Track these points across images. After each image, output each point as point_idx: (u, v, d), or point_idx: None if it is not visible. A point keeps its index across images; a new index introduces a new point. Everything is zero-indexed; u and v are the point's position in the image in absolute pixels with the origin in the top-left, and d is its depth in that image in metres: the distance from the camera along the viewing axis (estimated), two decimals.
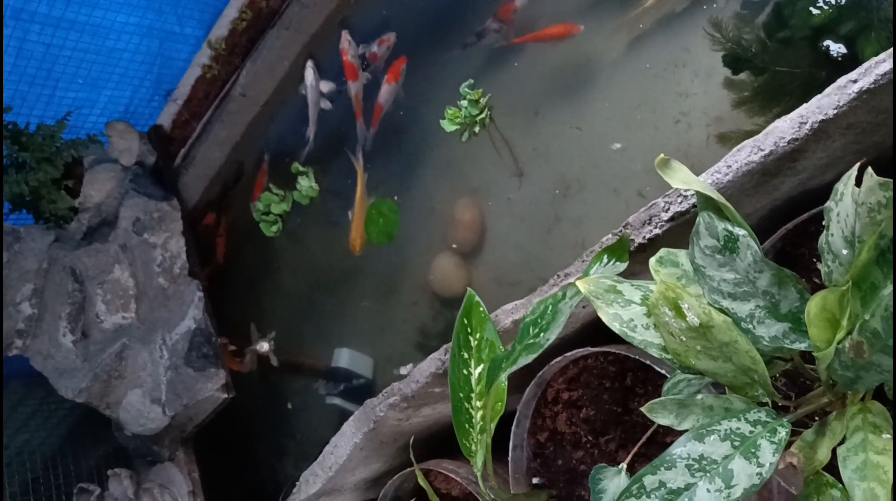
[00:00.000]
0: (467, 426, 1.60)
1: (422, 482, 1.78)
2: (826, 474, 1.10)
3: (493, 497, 1.63)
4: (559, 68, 2.33)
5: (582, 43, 2.26)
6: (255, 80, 3.15)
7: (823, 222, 1.10)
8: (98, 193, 3.10)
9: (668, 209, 1.39)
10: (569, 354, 1.70)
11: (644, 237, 1.43)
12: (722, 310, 1.10)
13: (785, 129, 1.24)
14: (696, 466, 1.02)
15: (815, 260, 1.42)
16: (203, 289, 2.97)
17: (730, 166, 1.31)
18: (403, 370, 2.58)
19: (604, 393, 1.73)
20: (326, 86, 2.97)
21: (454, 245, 2.53)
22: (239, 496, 3.14)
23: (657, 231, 1.41)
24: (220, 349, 2.93)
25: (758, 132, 1.31)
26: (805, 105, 1.22)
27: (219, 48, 3.13)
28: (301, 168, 3.03)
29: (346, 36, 2.84)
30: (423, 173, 2.66)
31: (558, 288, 1.54)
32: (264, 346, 3.07)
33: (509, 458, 1.80)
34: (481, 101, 2.41)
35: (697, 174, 1.22)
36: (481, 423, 1.58)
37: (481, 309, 1.64)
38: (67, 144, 3.08)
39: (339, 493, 2.32)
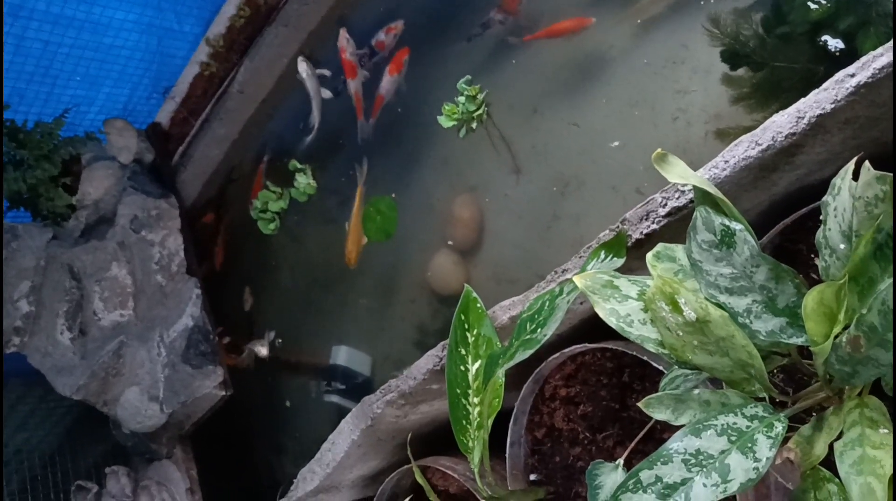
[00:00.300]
0: (464, 422, 1.60)
1: (419, 479, 1.78)
2: (823, 469, 1.10)
3: (490, 493, 1.63)
4: (558, 66, 2.33)
5: (581, 40, 2.26)
6: (254, 77, 3.15)
7: (821, 217, 1.10)
8: (96, 190, 3.10)
9: (666, 205, 1.39)
10: (566, 350, 1.69)
11: (641, 233, 1.43)
12: (719, 305, 1.10)
13: (782, 123, 1.24)
14: (693, 461, 1.01)
15: (812, 256, 1.41)
16: (201, 286, 2.97)
17: (727, 161, 1.30)
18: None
19: (601, 390, 1.72)
20: (321, 73, 2.97)
21: (450, 242, 2.53)
22: (237, 493, 3.14)
23: (654, 227, 1.41)
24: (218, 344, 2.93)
25: (756, 128, 1.31)
26: (803, 100, 1.22)
27: (217, 45, 3.13)
28: (299, 165, 3.03)
29: (343, 34, 2.84)
30: (420, 171, 2.66)
31: (555, 284, 1.53)
32: (262, 350, 3.07)
33: (507, 455, 1.80)
34: (478, 97, 2.41)
35: (695, 171, 1.22)
36: (478, 419, 1.58)
37: (478, 305, 1.64)
38: (65, 141, 3.08)
39: (336, 490, 2.31)
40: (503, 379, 1.55)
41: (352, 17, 2.96)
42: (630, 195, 2.09)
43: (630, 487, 1.02)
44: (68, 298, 2.85)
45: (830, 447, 1.07)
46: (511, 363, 1.39)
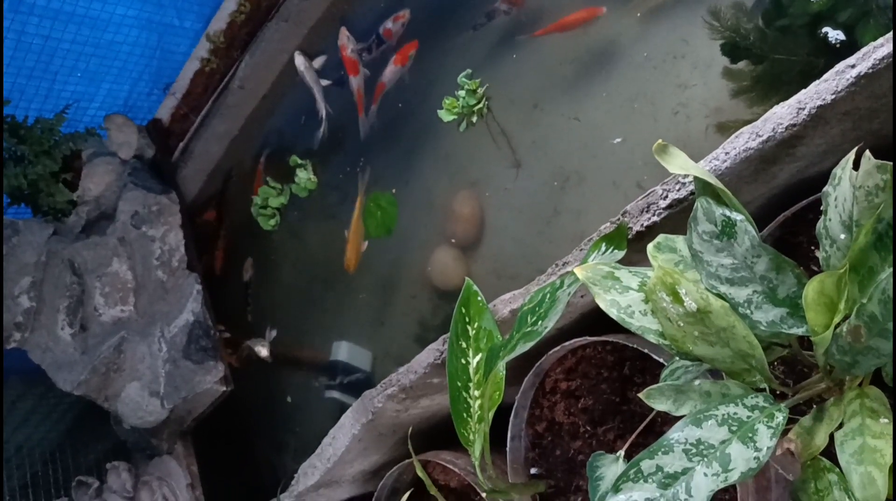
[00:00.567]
0: (465, 415, 1.60)
1: (420, 473, 1.78)
2: (823, 459, 1.10)
3: (491, 487, 1.63)
4: (558, 60, 2.33)
5: (581, 34, 2.25)
6: (254, 73, 3.15)
7: (821, 208, 1.10)
8: (96, 186, 3.10)
9: (667, 197, 1.39)
10: (567, 343, 1.69)
11: (642, 225, 1.43)
12: (719, 295, 1.10)
13: (783, 115, 1.24)
14: (694, 450, 1.01)
15: (813, 248, 1.42)
16: (201, 282, 2.97)
17: (728, 153, 1.31)
18: None
19: (602, 383, 1.73)
20: (319, 62, 2.96)
21: (451, 238, 2.53)
22: (237, 488, 3.14)
23: (655, 219, 1.41)
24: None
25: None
26: (803, 91, 1.22)
27: (217, 41, 3.13)
28: (299, 161, 3.03)
29: (344, 32, 2.83)
30: (421, 166, 2.66)
31: (556, 277, 1.54)
32: (262, 351, 3.07)
33: (507, 448, 1.80)
34: (479, 91, 2.41)
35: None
36: (479, 412, 1.58)
37: (479, 299, 1.64)
38: (66, 137, 3.08)
39: (337, 485, 2.32)
40: (504, 372, 1.55)
41: (352, 13, 2.96)
42: (631, 190, 2.10)
43: (631, 477, 1.02)
44: (69, 293, 2.86)
45: (831, 437, 1.07)
46: (512, 356, 1.39)
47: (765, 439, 1.01)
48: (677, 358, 1.29)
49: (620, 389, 1.70)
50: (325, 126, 2.94)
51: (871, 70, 1.13)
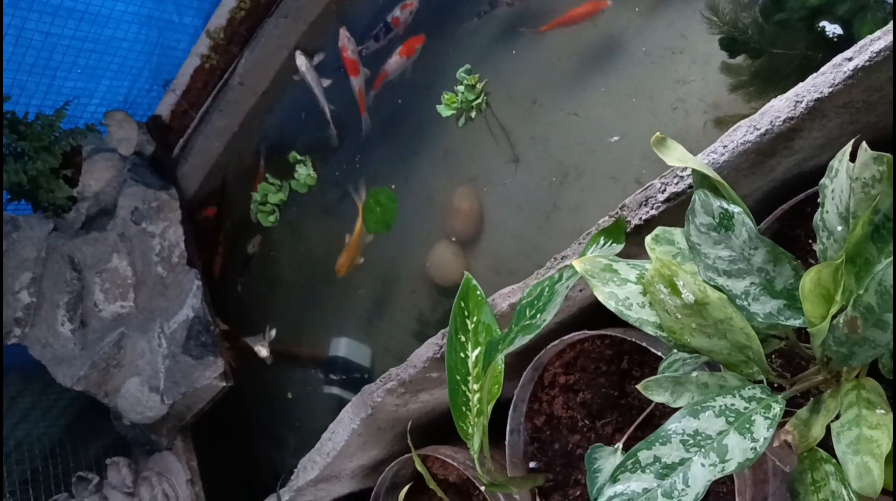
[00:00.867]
0: (464, 409, 1.61)
1: (419, 467, 1.79)
2: (820, 450, 1.10)
3: (489, 480, 1.64)
4: (557, 56, 2.33)
5: (580, 30, 2.26)
6: (254, 69, 3.15)
7: (818, 200, 1.11)
8: (96, 182, 3.11)
9: (665, 190, 1.40)
10: (565, 338, 1.70)
11: (640, 219, 1.43)
12: (717, 287, 1.11)
13: (781, 108, 1.24)
14: (691, 441, 1.02)
15: (810, 241, 1.42)
16: (201, 277, 2.98)
17: (726, 146, 1.31)
18: None
19: (600, 377, 1.73)
20: (318, 58, 2.97)
21: (452, 236, 2.54)
22: (237, 484, 3.15)
23: (653, 212, 1.41)
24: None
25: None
26: (801, 84, 1.22)
27: (217, 38, 3.13)
28: (299, 157, 3.03)
29: (344, 33, 2.82)
30: (420, 162, 2.66)
31: (555, 271, 1.54)
32: (262, 351, 3.08)
33: (506, 442, 1.81)
34: (478, 86, 2.41)
35: None
36: (478, 406, 1.59)
37: (478, 293, 1.64)
38: (66, 133, 3.08)
39: (337, 480, 2.32)
40: (503, 365, 1.56)
41: (351, 8, 2.96)
42: (629, 185, 2.10)
43: (629, 467, 1.03)
44: (69, 289, 2.86)
45: (828, 429, 1.08)
46: (510, 349, 1.40)
47: (762, 430, 1.02)
48: (675, 351, 1.30)
49: (619, 383, 1.71)
50: (331, 124, 2.94)
51: (868, 63, 1.14)
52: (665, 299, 1.10)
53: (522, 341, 1.38)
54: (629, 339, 1.61)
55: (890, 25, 1.12)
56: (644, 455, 1.03)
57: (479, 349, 1.61)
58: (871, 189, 0.99)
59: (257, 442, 3.15)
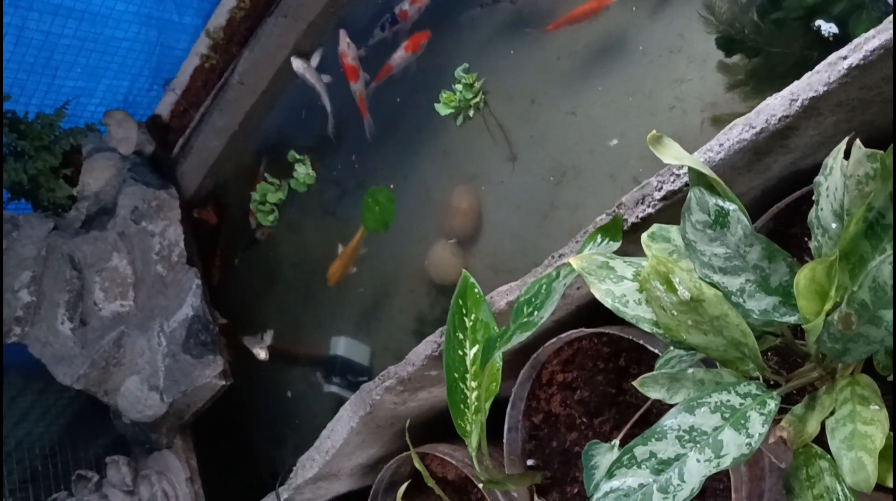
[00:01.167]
0: (462, 406, 1.61)
1: (418, 464, 1.79)
2: (815, 446, 1.11)
3: (487, 478, 1.64)
4: (555, 56, 2.34)
5: (578, 29, 2.26)
6: (253, 68, 3.16)
7: (813, 198, 1.11)
8: (96, 181, 3.11)
9: (661, 188, 1.40)
10: (563, 335, 1.71)
11: (637, 217, 1.44)
12: (713, 284, 1.11)
13: (776, 106, 1.25)
14: (687, 437, 1.03)
15: (806, 239, 1.43)
16: (200, 276, 2.99)
17: (722, 144, 1.32)
18: None
19: (598, 375, 1.74)
20: (316, 58, 2.97)
21: (451, 235, 2.54)
22: (236, 483, 3.16)
23: (650, 210, 1.42)
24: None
25: None
26: (796, 82, 1.23)
27: (217, 37, 3.14)
28: (298, 156, 3.04)
29: (344, 38, 2.81)
30: (419, 161, 2.67)
31: (552, 268, 1.55)
32: (261, 353, 3.08)
33: (504, 440, 1.81)
34: (476, 85, 2.42)
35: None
36: (476, 403, 1.59)
37: (476, 291, 1.65)
38: (66, 132, 3.09)
39: (335, 478, 2.33)
40: (501, 363, 1.56)
41: (350, 8, 2.96)
42: (627, 184, 2.11)
43: (625, 462, 1.03)
44: (69, 288, 2.87)
45: (823, 426, 1.09)
46: (508, 346, 1.40)
47: (757, 425, 1.03)
48: (672, 348, 1.31)
49: (616, 380, 1.71)
50: (332, 122, 2.94)
51: (862, 61, 1.14)
52: (661, 297, 1.11)
53: (520, 338, 1.38)
54: (626, 337, 1.61)
55: (884, 24, 1.12)
56: (640, 451, 1.03)
57: (477, 346, 1.61)
58: (865, 186, 0.99)
59: (256, 441, 3.15)
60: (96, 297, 2.92)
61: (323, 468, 2.18)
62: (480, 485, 1.70)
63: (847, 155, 1.02)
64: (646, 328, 1.17)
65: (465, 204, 2.52)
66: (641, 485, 1.01)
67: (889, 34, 1.12)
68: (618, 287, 1.20)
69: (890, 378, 1.12)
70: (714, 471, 0.99)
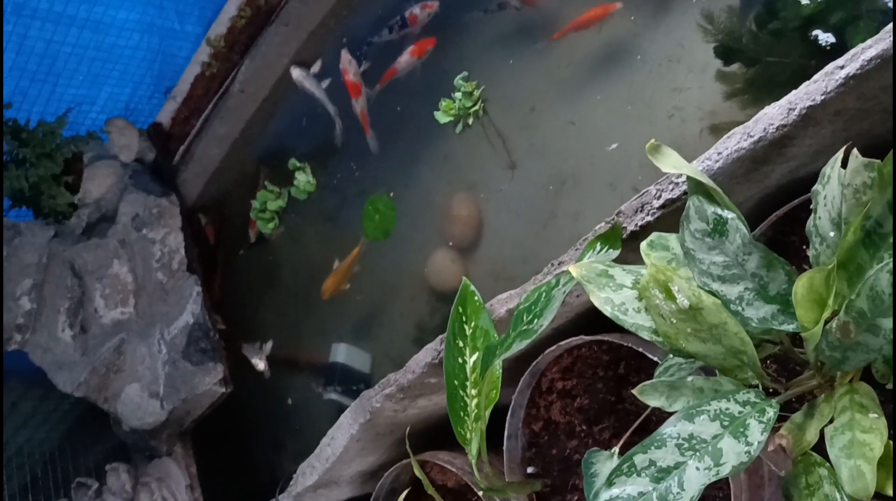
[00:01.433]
0: (462, 413, 1.61)
1: (417, 472, 1.79)
2: (814, 454, 1.11)
3: (487, 485, 1.64)
4: (555, 64, 2.35)
5: (576, 38, 2.28)
6: (254, 76, 3.17)
7: (811, 207, 1.12)
8: (97, 188, 3.12)
9: (660, 197, 1.41)
10: (563, 343, 1.71)
11: (636, 225, 1.45)
12: (711, 292, 1.12)
13: (774, 115, 1.26)
14: (686, 445, 1.03)
15: (804, 247, 1.43)
16: (201, 283, 2.99)
17: (720, 153, 1.32)
18: None
19: (597, 382, 1.74)
20: (317, 68, 2.98)
21: (451, 242, 2.55)
22: (237, 490, 3.15)
23: (649, 219, 1.43)
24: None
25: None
26: (794, 91, 1.24)
27: (218, 45, 3.15)
28: (298, 164, 3.05)
29: (346, 56, 2.83)
30: (419, 169, 2.68)
31: (552, 276, 1.55)
32: (259, 364, 3.08)
33: (504, 448, 1.81)
34: (475, 93, 2.43)
35: None
36: (476, 411, 1.59)
37: (476, 298, 1.65)
38: (67, 140, 3.10)
39: (335, 485, 2.33)
40: (500, 371, 1.56)
41: (351, 17, 2.98)
42: (627, 193, 2.11)
43: (624, 471, 1.03)
44: (70, 295, 2.87)
45: (821, 434, 1.09)
46: (508, 354, 1.40)
47: (756, 433, 1.03)
48: (671, 356, 1.31)
49: (616, 388, 1.72)
50: (339, 124, 2.94)
51: (859, 71, 1.15)
52: (660, 305, 1.11)
53: (520, 346, 1.38)
54: (626, 344, 1.62)
55: (880, 34, 1.13)
56: (639, 459, 1.03)
57: (477, 354, 1.62)
58: (863, 195, 1.00)
59: (257, 448, 3.15)
60: (97, 304, 2.93)
61: (323, 475, 2.18)
62: (480, 493, 1.70)
63: (845, 164, 1.02)
64: (645, 336, 1.18)
65: (464, 212, 2.53)
66: (641, 493, 1.01)
67: (885, 44, 1.13)
68: (617, 295, 1.21)
69: (888, 386, 1.12)
70: (713, 479, 0.99)
